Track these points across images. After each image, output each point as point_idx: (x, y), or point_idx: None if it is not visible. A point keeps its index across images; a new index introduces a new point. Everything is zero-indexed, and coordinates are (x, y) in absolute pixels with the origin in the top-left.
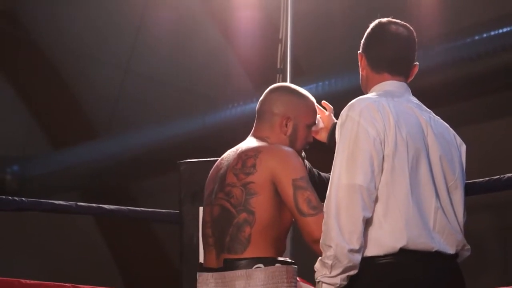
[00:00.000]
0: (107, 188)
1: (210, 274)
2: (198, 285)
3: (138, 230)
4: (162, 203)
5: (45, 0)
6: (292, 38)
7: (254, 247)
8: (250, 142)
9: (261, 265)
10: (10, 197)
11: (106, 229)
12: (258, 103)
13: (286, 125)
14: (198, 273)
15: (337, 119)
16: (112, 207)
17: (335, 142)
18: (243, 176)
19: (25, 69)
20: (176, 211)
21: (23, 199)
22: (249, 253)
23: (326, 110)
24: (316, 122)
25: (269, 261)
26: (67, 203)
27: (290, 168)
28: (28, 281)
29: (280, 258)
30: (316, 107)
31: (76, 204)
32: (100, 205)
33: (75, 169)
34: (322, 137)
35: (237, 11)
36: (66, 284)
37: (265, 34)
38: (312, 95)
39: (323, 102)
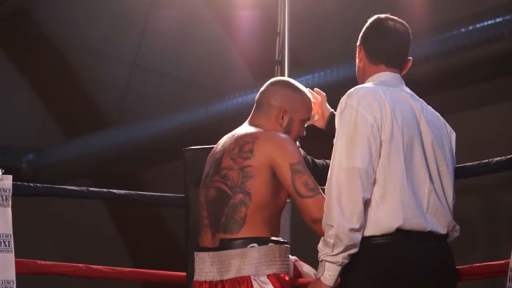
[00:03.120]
0: (116, 175)
1: (206, 253)
2: (195, 264)
3: (146, 213)
4: (168, 188)
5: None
6: (289, 31)
7: (249, 227)
8: (247, 128)
9: (255, 244)
10: (25, 183)
11: (116, 213)
12: (258, 93)
13: (282, 117)
14: (195, 253)
15: (332, 107)
16: (121, 191)
17: (333, 129)
18: (240, 160)
19: (40, 65)
20: (182, 195)
21: (38, 185)
22: (244, 233)
23: (320, 97)
24: (311, 116)
25: (263, 241)
26: (79, 188)
27: (287, 154)
28: (43, 262)
29: (273, 238)
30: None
31: (88, 189)
32: (110, 190)
33: (86, 158)
34: (320, 124)
35: (237, 7)
36: (79, 265)
37: (263, 28)
38: (309, 85)
39: (316, 89)
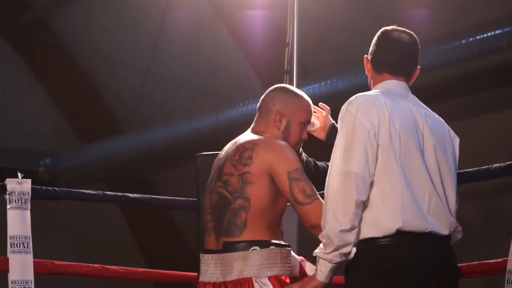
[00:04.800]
0: (131, 179)
1: (210, 255)
2: (200, 265)
3: (159, 217)
4: (180, 192)
5: (73, 10)
6: (298, 41)
7: (250, 230)
8: (248, 135)
9: (257, 247)
10: (44, 187)
11: (130, 216)
12: (259, 101)
13: (280, 120)
14: (200, 254)
15: (338, 114)
16: (135, 195)
17: (332, 140)
18: (240, 167)
19: (57, 73)
20: (194, 199)
21: (56, 188)
22: (245, 236)
23: (324, 111)
24: (312, 122)
25: (264, 244)
26: (96, 192)
27: (285, 161)
28: (60, 262)
29: (274, 241)
30: (313, 108)
31: (104, 193)
32: (125, 194)
33: (101, 162)
34: (320, 135)
35: (247, 17)
36: (95, 265)
37: (273, 39)
38: (316, 94)
39: (321, 104)
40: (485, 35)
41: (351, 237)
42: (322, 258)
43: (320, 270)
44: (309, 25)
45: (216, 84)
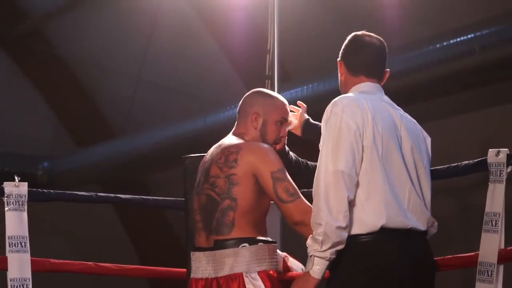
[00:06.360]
0: (123, 180)
1: (201, 253)
2: (191, 262)
3: (150, 216)
4: (171, 192)
5: (67, 20)
6: (278, 48)
7: (238, 229)
8: (231, 139)
9: (246, 244)
10: (39, 190)
11: (124, 216)
12: (239, 105)
13: (256, 120)
14: (191, 252)
15: (320, 116)
16: (127, 196)
17: (308, 135)
18: (226, 169)
19: (53, 81)
20: (182, 199)
21: (51, 191)
22: (235, 234)
23: (300, 109)
24: (290, 121)
25: (253, 241)
26: (89, 194)
27: (269, 162)
28: (56, 261)
29: (262, 238)
30: (288, 107)
31: (96, 194)
32: (117, 195)
33: (96, 165)
34: (298, 132)
35: (232, 26)
36: (89, 263)
37: (256, 46)
38: (298, 98)
39: (298, 102)
40: (458, 39)
41: (345, 234)
42: (318, 257)
43: (317, 268)
44: (290, 31)
45: (204, 89)
